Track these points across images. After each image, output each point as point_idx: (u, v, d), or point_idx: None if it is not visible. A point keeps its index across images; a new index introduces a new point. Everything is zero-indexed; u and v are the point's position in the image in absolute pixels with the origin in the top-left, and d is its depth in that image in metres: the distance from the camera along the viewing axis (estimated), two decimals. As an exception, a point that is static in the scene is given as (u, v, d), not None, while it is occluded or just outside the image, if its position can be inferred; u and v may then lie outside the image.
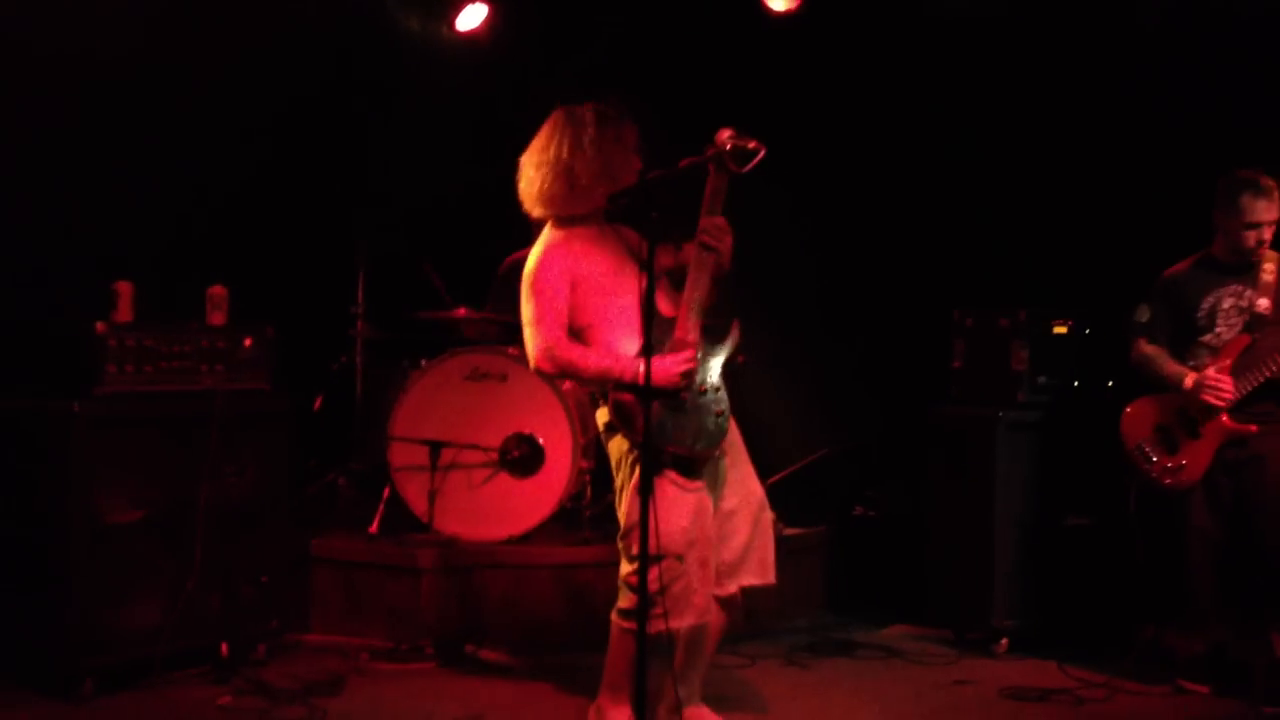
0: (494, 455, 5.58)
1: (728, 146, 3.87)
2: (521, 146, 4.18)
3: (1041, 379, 5.43)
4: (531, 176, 4.08)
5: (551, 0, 6.78)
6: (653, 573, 3.78)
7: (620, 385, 3.90)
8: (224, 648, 4.78)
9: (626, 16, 6.67)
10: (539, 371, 4.04)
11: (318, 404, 6.22)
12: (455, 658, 5.12)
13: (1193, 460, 4.75)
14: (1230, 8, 5.58)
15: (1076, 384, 5.49)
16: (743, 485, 4.20)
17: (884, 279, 6.58)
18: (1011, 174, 6.25)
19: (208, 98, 5.97)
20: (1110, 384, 5.41)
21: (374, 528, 5.62)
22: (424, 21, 6.80)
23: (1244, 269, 4.77)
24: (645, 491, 3.65)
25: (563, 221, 4.11)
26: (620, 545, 4.07)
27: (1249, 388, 4.67)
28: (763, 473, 6.13)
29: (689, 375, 3.93)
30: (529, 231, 4.26)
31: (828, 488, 6.15)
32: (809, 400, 6.53)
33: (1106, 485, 5.19)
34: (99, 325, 4.68)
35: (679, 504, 3.94)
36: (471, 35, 6.73)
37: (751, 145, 3.85)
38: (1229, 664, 4.76)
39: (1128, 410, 4.93)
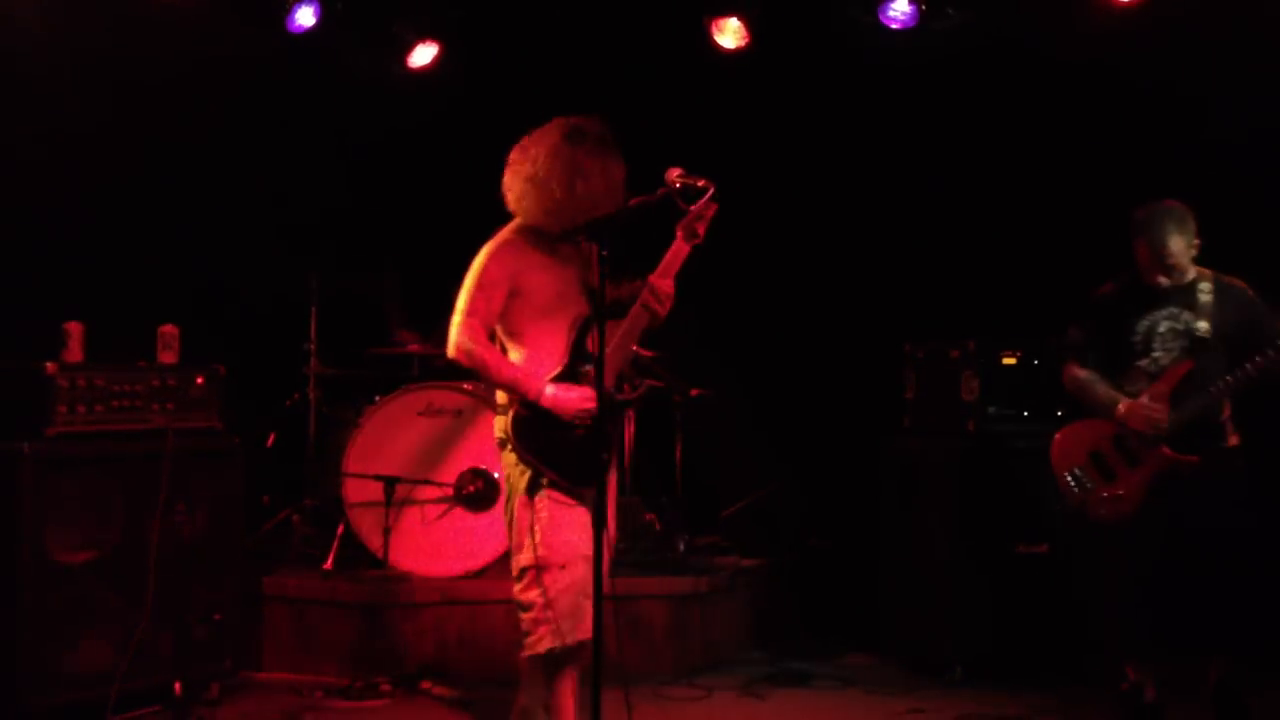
0: (449, 490, 5.57)
1: (677, 185, 3.93)
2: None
3: (992, 409, 5.48)
4: (522, 186, 4.08)
5: (500, 39, 6.81)
6: (541, 585, 3.94)
7: (524, 401, 3.99)
8: (177, 687, 4.74)
9: (576, 53, 6.72)
10: (452, 359, 4.07)
11: (271, 441, 6.18)
12: (411, 694, 5.10)
13: (1129, 490, 4.51)
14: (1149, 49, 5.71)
15: (1026, 413, 5.53)
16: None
17: (836, 312, 6.64)
18: (961, 208, 6.34)
19: (155, 134, 5.95)
20: (1060, 413, 5.38)
21: (328, 564, 5.59)
22: (376, 60, 6.82)
23: (1180, 291, 4.54)
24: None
25: (529, 228, 4.14)
26: (511, 563, 4.12)
27: (1189, 416, 4.44)
28: (718, 505, 6.24)
29: (589, 414, 4.00)
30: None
31: (782, 519, 6.18)
32: (763, 432, 6.57)
33: (1058, 513, 5.24)
34: (49, 365, 4.66)
35: (563, 519, 4.03)
36: (422, 72, 6.77)
37: (700, 183, 3.91)
38: (1145, 705, 4.59)
39: (1059, 436, 4.74)
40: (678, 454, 6.13)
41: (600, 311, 3.76)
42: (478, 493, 5.60)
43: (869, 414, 6.02)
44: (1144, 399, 4.50)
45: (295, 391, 6.17)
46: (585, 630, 3.97)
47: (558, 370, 4.04)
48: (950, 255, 6.37)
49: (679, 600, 5.53)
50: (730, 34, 6.56)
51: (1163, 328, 4.55)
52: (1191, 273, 4.56)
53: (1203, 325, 4.50)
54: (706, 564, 5.88)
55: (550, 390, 3.98)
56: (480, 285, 4.04)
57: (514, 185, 4.11)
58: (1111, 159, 5.92)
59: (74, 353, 4.84)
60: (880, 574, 5.77)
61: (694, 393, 6.11)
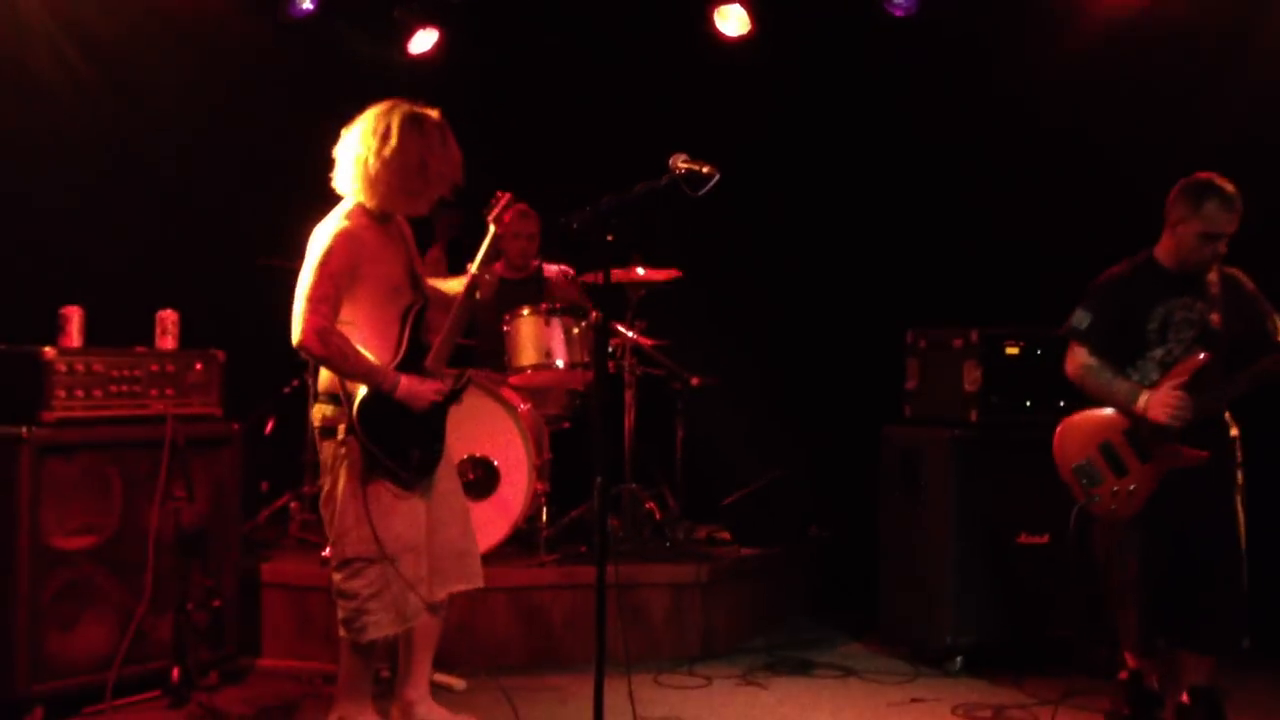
0: (457, 482, 5.54)
1: (681, 171, 3.91)
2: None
3: (994, 399, 5.44)
4: (372, 165, 4.05)
5: (501, 25, 6.78)
6: (367, 576, 4.00)
7: (372, 391, 4.00)
8: (175, 673, 4.72)
9: (578, 40, 6.70)
10: (302, 348, 4.00)
11: (269, 428, 6.16)
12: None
13: (1140, 484, 4.39)
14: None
15: (1029, 403, 5.49)
16: (452, 496, 4.34)
17: (839, 300, 6.63)
18: (966, 196, 6.31)
19: (155, 118, 5.93)
20: (1062, 404, 5.33)
21: (327, 552, 5.56)
22: (375, 46, 6.80)
23: (1192, 279, 4.42)
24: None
25: (370, 211, 4.13)
26: (329, 552, 4.16)
27: (1203, 410, 4.31)
28: (718, 493, 6.22)
29: (436, 403, 4.13)
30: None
31: (784, 508, 6.16)
32: (765, 421, 6.56)
33: (1060, 503, 5.20)
34: (47, 350, 4.64)
35: (394, 510, 4.06)
36: (423, 58, 6.75)
37: (706, 170, 3.89)
38: (1146, 693, 4.54)
39: (1064, 427, 4.58)
40: (678, 442, 6.13)
41: (605, 301, 3.80)
42: (477, 480, 5.58)
43: (871, 403, 6.00)
44: (1164, 390, 4.33)
45: (294, 378, 6.15)
46: (410, 621, 4.11)
47: (396, 360, 4.08)
48: (954, 243, 6.35)
49: (679, 588, 5.52)
50: (732, 20, 6.55)
51: (1178, 316, 4.41)
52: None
53: (1215, 317, 4.39)
54: (707, 552, 5.87)
55: (404, 382, 4.03)
56: (331, 272, 3.99)
57: (361, 169, 4.07)
58: (1118, 146, 5.87)
59: (72, 337, 4.83)
60: (881, 563, 5.75)
61: (695, 381, 6.10)
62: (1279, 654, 4.99)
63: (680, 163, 3.89)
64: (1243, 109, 5.54)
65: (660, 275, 5.93)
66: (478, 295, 4.30)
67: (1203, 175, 4.42)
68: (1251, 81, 5.58)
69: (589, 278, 6.21)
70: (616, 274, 5.87)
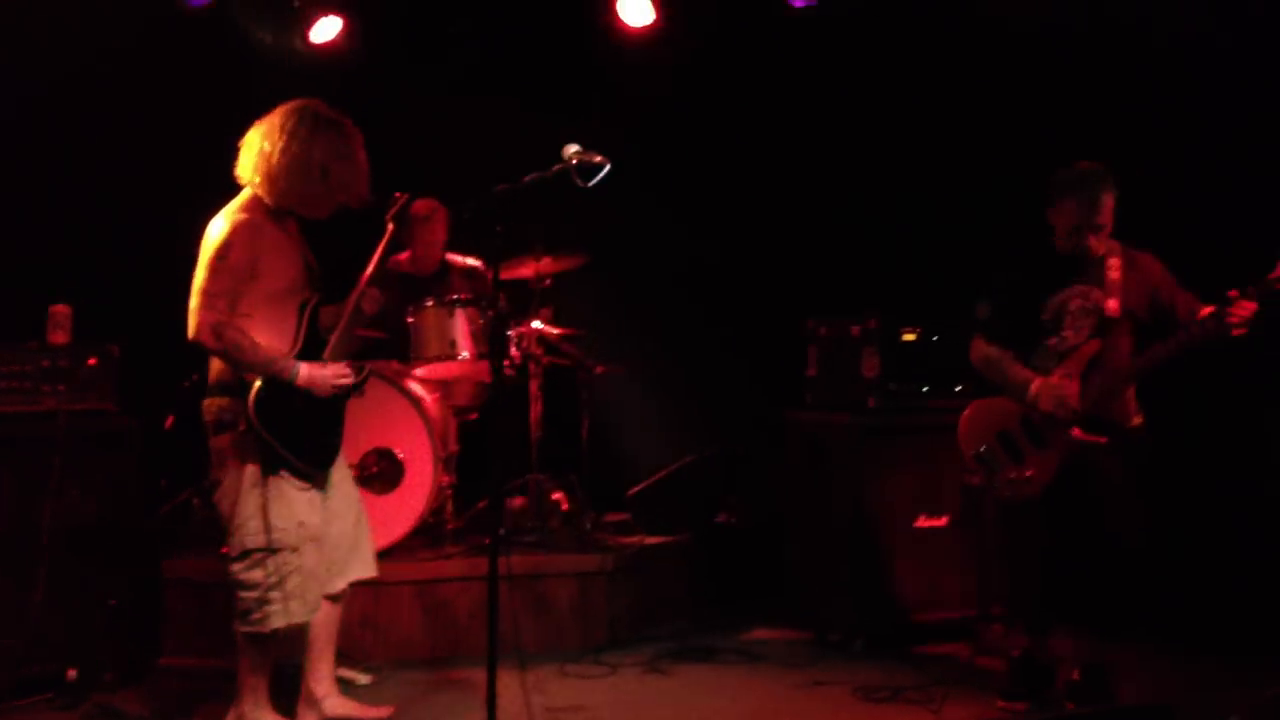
0: (352, 471, 5.51)
1: (573, 161, 3.93)
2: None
3: (892, 385, 5.53)
4: (275, 161, 4.05)
5: (406, 10, 6.73)
6: (267, 566, 4.02)
7: (268, 382, 4.00)
8: (71, 673, 4.67)
9: (479, 25, 6.68)
10: (196, 341, 4.00)
11: (169, 423, 6.06)
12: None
13: (1038, 471, 4.45)
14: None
15: (926, 389, 5.59)
16: (344, 485, 4.36)
17: (743, 289, 6.68)
18: (864, 184, 6.39)
19: (51, 108, 5.80)
20: (959, 388, 5.42)
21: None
22: (277, 35, 6.70)
23: (1087, 266, 4.47)
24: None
25: (269, 206, 4.12)
26: (226, 547, 4.15)
27: (1098, 397, 4.38)
28: (624, 481, 6.26)
29: (345, 389, 4.17)
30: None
31: (689, 495, 6.21)
32: (671, 409, 6.60)
33: (959, 487, 5.31)
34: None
35: (293, 500, 4.08)
36: (326, 48, 6.67)
37: (597, 160, 3.90)
38: (1038, 668, 4.62)
39: (965, 414, 4.67)
40: (585, 431, 6.14)
41: (493, 290, 3.80)
42: (382, 473, 5.55)
43: (773, 390, 6.06)
44: (1054, 379, 4.43)
45: (194, 372, 6.06)
46: (312, 611, 4.13)
47: (294, 352, 4.09)
48: (852, 231, 6.42)
49: (584, 578, 5.53)
50: (636, 10, 6.57)
51: (1073, 305, 4.47)
52: (1102, 247, 4.48)
53: (1112, 304, 4.43)
54: (613, 541, 5.89)
55: (304, 370, 4.04)
56: (228, 266, 3.99)
57: (265, 164, 4.07)
58: (1013, 131, 5.97)
59: (-39, 332, 4.73)
60: (786, 548, 5.82)
61: (599, 370, 6.12)
62: (1170, 632, 5.13)
63: (571, 152, 3.92)
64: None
65: (563, 264, 5.94)
66: (364, 307, 4.29)
67: (1078, 165, 4.49)
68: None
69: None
70: (520, 264, 5.89)
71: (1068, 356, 4.47)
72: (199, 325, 3.95)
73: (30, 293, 5.10)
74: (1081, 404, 4.41)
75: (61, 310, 5.01)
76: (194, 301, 3.97)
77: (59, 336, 4.97)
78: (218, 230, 4.03)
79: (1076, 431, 4.42)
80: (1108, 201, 4.43)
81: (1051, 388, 4.43)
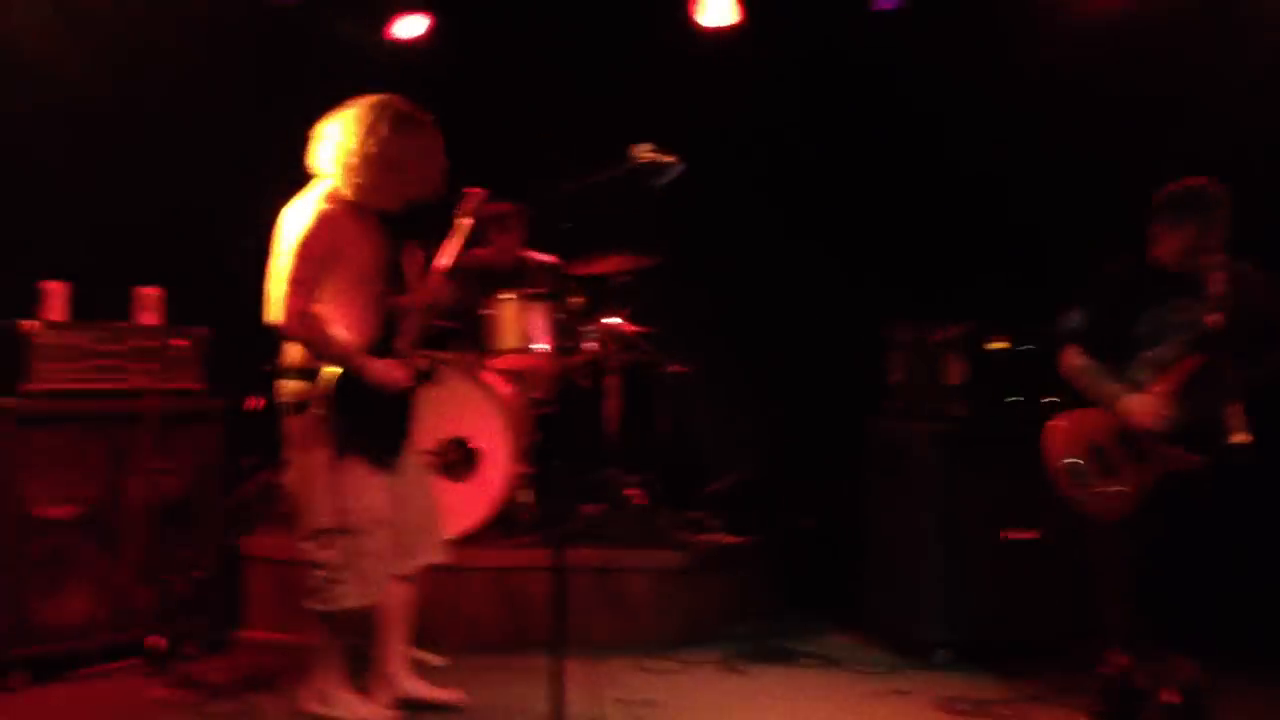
0: (430, 459, 5.55)
1: (645, 161, 3.93)
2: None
3: (978, 393, 5.41)
4: (355, 156, 4.09)
5: (483, 11, 6.79)
6: (338, 547, 4.06)
7: (351, 372, 4.05)
8: (157, 642, 4.76)
9: (558, 29, 6.71)
10: (281, 328, 4.07)
11: (254, 404, 6.13)
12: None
13: (1131, 487, 4.32)
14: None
15: (1014, 398, 5.46)
16: (416, 471, 4.39)
17: (826, 291, 6.63)
18: (954, 188, 6.32)
19: (140, 98, 5.91)
20: (1050, 400, 5.13)
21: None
22: (359, 29, 6.80)
23: (1189, 279, 4.32)
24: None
25: (347, 199, 4.15)
26: (299, 528, 4.20)
27: (1197, 413, 4.24)
28: (703, 481, 6.24)
29: (407, 390, 4.22)
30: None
31: (768, 497, 6.18)
32: (748, 409, 6.56)
33: (1049, 500, 5.19)
34: (31, 324, 4.70)
35: (367, 484, 4.11)
36: (411, 44, 6.76)
37: (670, 160, 3.91)
38: (1131, 689, 4.48)
39: (1057, 425, 4.53)
40: (663, 429, 6.13)
41: (557, 285, 3.82)
42: (458, 461, 5.60)
43: (856, 394, 5.99)
44: (1150, 394, 4.30)
45: (275, 356, 6.14)
46: (380, 591, 4.17)
47: (367, 343, 4.12)
48: (942, 235, 6.36)
49: (660, 574, 5.52)
50: (717, 11, 6.57)
51: (1172, 318, 4.34)
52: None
53: (1213, 318, 4.26)
54: (690, 539, 5.86)
55: (377, 367, 4.09)
56: (311, 255, 4.04)
57: (345, 158, 4.11)
58: (1109, 138, 5.86)
59: (56, 312, 4.86)
60: (866, 555, 5.75)
61: (677, 368, 6.12)
62: (1268, 655, 5.02)
63: (641, 152, 3.91)
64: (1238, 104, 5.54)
65: (642, 262, 5.95)
66: (435, 302, 4.39)
67: (1188, 183, 4.38)
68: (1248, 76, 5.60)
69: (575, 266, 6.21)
70: (598, 261, 5.91)
71: (1165, 371, 4.35)
72: (286, 311, 4.02)
73: (123, 275, 5.20)
74: (1179, 420, 4.28)
75: (151, 292, 5.12)
76: (278, 288, 4.04)
77: (150, 318, 5.07)
78: (301, 220, 4.09)
79: (1171, 448, 4.30)
80: (1226, 223, 4.31)
81: (1148, 402, 4.30)
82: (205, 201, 6.10)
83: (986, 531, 5.36)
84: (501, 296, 5.74)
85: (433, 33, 6.82)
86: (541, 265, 6.34)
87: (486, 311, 5.75)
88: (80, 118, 5.75)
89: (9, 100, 5.45)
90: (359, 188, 4.12)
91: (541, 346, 5.69)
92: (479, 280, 6.02)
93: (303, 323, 4.01)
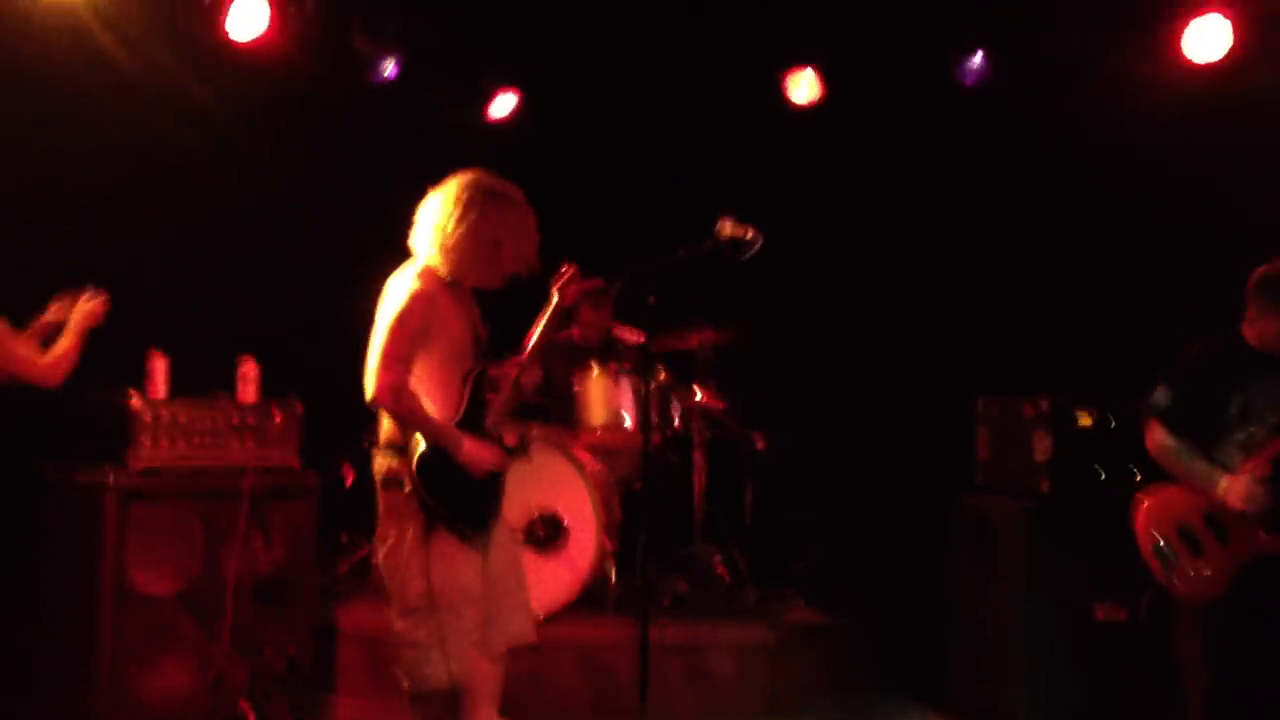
0: (519, 535, 5.61)
1: (726, 235, 3.96)
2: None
3: (1066, 468, 5.35)
4: (450, 235, 4.15)
5: (576, 91, 6.93)
6: (429, 625, 4.04)
7: (439, 449, 4.07)
8: (250, 716, 4.84)
9: (648, 106, 6.82)
10: (376, 403, 4.10)
11: (349, 480, 6.26)
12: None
13: (1217, 570, 4.28)
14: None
15: (1103, 474, 5.40)
16: (505, 547, 4.35)
17: (910, 365, 6.62)
18: (1039, 259, 6.29)
19: (244, 175, 6.11)
20: (1138, 476, 5.14)
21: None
22: (457, 109, 6.97)
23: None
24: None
25: (443, 277, 4.21)
26: (391, 605, 4.19)
27: None
28: (788, 556, 6.23)
29: (494, 471, 4.20)
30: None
31: (854, 573, 6.14)
32: (834, 484, 6.54)
33: (1138, 578, 5.10)
34: (134, 400, 4.82)
35: (455, 561, 4.10)
36: (501, 122, 6.93)
37: (749, 235, 3.93)
38: None
39: (1146, 504, 4.48)
40: (748, 504, 6.14)
41: (645, 361, 3.86)
42: (546, 537, 5.65)
43: (940, 467, 5.98)
44: (1241, 475, 4.26)
45: (370, 431, 6.27)
46: (470, 670, 4.13)
47: (457, 419, 4.14)
48: (1028, 307, 6.33)
49: (745, 650, 5.52)
50: (803, 87, 6.66)
51: (1261, 398, 4.31)
52: None
53: None
54: (775, 615, 5.85)
55: (467, 445, 4.10)
56: (408, 332, 4.08)
57: (440, 238, 4.16)
58: (1198, 209, 5.83)
59: (158, 386, 5.00)
60: (952, 634, 5.69)
61: (762, 444, 6.13)
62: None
63: (723, 227, 3.95)
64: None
65: (727, 336, 6.00)
66: (523, 382, 4.44)
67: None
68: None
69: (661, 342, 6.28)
70: (684, 336, 5.96)
71: (1256, 452, 4.28)
72: (379, 387, 4.07)
73: (220, 346, 5.35)
74: (1270, 503, 4.22)
75: (251, 368, 5.23)
76: (375, 363, 4.10)
77: (248, 392, 5.19)
78: (399, 297, 4.16)
79: (1261, 532, 4.24)
80: None
81: (1242, 484, 4.25)
82: (303, 277, 6.28)
83: (1077, 611, 5.28)
84: (590, 372, 5.81)
85: (520, 110, 6.98)
86: (629, 342, 6.43)
87: (575, 387, 5.83)
88: (183, 196, 5.96)
89: (115, 179, 5.66)
90: (455, 264, 4.19)
91: (628, 422, 5.74)
92: (568, 356, 6.11)
93: (396, 398, 4.06)
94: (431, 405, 4.13)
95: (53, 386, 4.64)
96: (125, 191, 5.68)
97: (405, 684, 4.18)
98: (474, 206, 4.18)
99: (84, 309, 4.77)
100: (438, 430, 4.11)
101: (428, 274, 4.22)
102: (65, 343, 4.67)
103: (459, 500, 4.15)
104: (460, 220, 4.16)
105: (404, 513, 4.15)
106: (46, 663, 4.76)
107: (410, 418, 4.10)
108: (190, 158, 5.94)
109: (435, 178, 4.38)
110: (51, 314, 4.77)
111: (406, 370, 4.09)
